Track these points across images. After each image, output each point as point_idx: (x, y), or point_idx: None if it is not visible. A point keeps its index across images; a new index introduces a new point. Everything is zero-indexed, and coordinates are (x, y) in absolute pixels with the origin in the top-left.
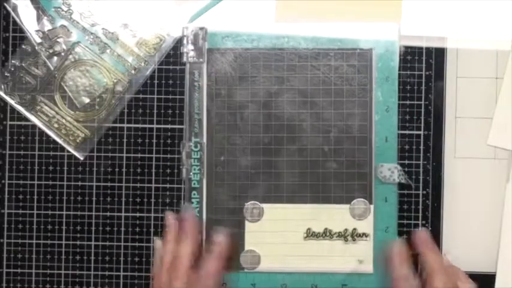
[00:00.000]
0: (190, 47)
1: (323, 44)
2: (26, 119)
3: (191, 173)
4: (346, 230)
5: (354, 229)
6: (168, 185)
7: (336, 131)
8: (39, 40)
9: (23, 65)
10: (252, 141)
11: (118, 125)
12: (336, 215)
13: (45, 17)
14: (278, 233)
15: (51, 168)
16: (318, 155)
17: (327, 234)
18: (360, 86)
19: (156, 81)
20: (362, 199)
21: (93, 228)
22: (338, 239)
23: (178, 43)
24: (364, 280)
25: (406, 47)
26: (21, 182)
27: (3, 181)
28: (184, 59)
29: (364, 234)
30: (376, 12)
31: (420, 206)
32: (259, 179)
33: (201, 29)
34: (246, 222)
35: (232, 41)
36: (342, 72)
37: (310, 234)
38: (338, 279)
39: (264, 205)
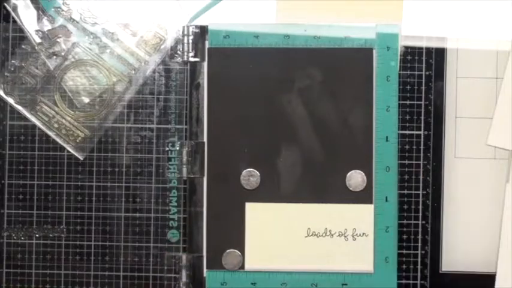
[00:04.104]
0: (191, 46)
1: (323, 43)
2: (26, 119)
3: (191, 173)
4: (346, 229)
5: (354, 229)
6: (168, 185)
7: (336, 130)
8: (39, 40)
9: (23, 65)
10: (252, 140)
11: (118, 125)
12: (336, 215)
13: (45, 17)
14: (278, 232)
15: (51, 168)
16: (318, 155)
17: (327, 233)
18: (360, 85)
19: (156, 81)
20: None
21: (93, 228)
22: (338, 238)
23: (179, 43)
24: (364, 280)
25: (406, 47)
26: (21, 182)
27: (3, 181)
28: (185, 59)
29: (364, 234)
30: (377, 12)
31: (420, 206)
32: (260, 179)
33: (202, 28)
34: (247, 222)
35: (232, 40)
36: (342, 72)
37: (311, 234)
38: (338, 278)
39: (264, 204)
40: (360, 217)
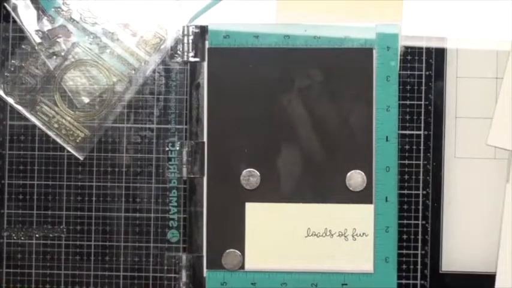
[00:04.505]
0: (191, 46)
1: (323, 44)
2: (26, 119)
3: (191, 173)
4: (346, 229)
5: (354, 229)
6: (168, 185)
7: (336, 130)
8: (39, 40)
9: (23, 65)
10: (252, 140)
11: (118, 125)
12: (336, 215)
13: (45, 17)
14: (278, 232)
15: (51, 168)
16: (318, 155)
17: (327, 233)
18: (360, 85)
19: (156, 81)
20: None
21: (93, 228)
22: (338, 238)
23: (179, 43)
24: (364, 279)
25: (406, 47)
26: (21, 182)
27: (3, 181)
28: (185, 59)
29: (364, 234)
30: (377, 12)
31: (420, 206)
32: (260, 178)
33: (202, 28)
34: (247, 221)
35: (232, 40)
36: (342, 72)
37: (311, 234)
38: (338, 278)
39: (264, 204)
40: (360, 217)
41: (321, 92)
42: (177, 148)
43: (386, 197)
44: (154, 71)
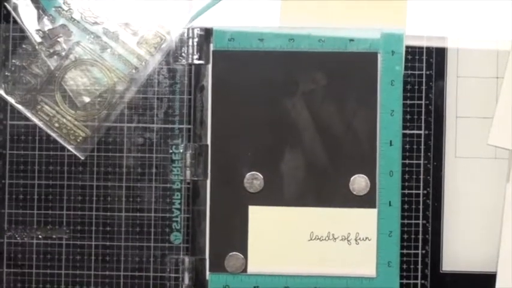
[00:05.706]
0: (195, 48)
1: (328, 47)
2: (27, 119)
3: (194, 175)
4: (349, 233)
5: (357, 233)
6: (168, 185)
7: (339, 134)
8: (39, 40)
9: (24, 64)
10: (256, 144)
11: (118, 124)
12: (339, 219)
13: (46, 17)
14: (281, 235)
15: (51, 168)
16: (322, 158)
17: (330, 237)
18: (364, 89)
19: (156, 81)
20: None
21: (93, 228)
22: (341, 242)
23: (181, 43)
24: (366, 283)
25: (406, 47)
26: (21, 182)
27: (3, 181)
28: (189, 61)
29: (367, 238)
30: (381, 16)
31: (420, 205)
32: (263, 182)
33: (207, 30)
34: (250, 225)
35: (237, 43)
36: (346, 76)
37: (314, 238)
38: (341, 282)
39: (267, 208)
40: (363, 221)
41: (325, 95)
42: (181, 150)
43: (389, 202)
44: (158, 73)
